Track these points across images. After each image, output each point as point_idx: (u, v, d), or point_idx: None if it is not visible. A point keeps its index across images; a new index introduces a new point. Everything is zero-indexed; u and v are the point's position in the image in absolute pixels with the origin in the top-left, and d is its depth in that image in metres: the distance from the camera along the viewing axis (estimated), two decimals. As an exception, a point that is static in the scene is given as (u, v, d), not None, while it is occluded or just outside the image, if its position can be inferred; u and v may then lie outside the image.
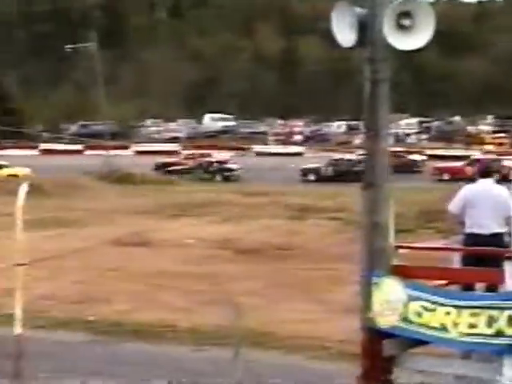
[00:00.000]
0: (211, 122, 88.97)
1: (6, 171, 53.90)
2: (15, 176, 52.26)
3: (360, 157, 54.62)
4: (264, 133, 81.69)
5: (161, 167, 59.19)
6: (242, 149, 69.52)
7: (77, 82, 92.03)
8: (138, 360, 14.52)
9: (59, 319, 17.46)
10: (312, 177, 55.20)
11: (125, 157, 60.83)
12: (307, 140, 78.56)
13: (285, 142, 76.00)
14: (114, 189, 45.83)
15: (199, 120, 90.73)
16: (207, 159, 59.70)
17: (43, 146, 72.82)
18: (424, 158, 61.90)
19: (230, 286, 19.76)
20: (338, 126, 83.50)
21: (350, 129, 77.64)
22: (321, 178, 54.10)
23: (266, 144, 75.82)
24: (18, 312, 10.72)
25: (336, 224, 30.93)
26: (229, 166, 57.88)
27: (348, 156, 57.72)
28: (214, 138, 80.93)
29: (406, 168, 55.78)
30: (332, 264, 22.73)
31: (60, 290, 20.21)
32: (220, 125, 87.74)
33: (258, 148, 71.85)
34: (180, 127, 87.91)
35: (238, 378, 11.47)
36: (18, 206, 10.63)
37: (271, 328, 16.34)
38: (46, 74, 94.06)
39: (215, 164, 58.02)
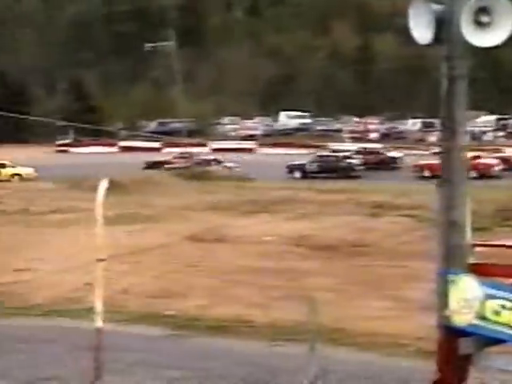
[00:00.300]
0: (287, 119, 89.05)
1: (10, 170, 54.88)
2: (19, 175, 53.53)
3: (344, 153, 58.53)
4: (339, 130, 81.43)
5: (151, 166, 59.31)
6: (317, 147, 69.34)
7: (155, 81, 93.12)
8: (215, 355, 14.66)
9: (138, 313, 17.73)
10: (297, 173, 55.42)
11: (202, 154, 61.34)
12: (383, 137, 78.01)
13: (360, 140, 75.57)
14: (191, 185, 46.27)
15: (275, 118, 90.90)
16: (206, 157, 60.45)
17: (122, 143, 73.93)
18: (402, 154, 61.24)
19: (306, 282, 19.85)
20: (413, 124, 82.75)
21: (425, 126, 76.94)
22: (306, 175, 54.40)
23: (342, 142, 75.52)
24: (99, 306, 10.94)
25: (411, 221, 30.71)
26: (226, 164, 58.13)
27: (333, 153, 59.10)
28: (289, 136, 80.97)
29: (385, 165, 57.71)
30: (406, 261, 22.59)
31: (139, 285, 20.54)
32: (296, 122, 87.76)
33: (333, 146, 71.54)
34: (256, 125, 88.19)
35: (313, 374, 11.51)
36: (98, 202, 10.84)
37: (346, 324, 16.34)
38: (126, 72, 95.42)
39: (213, 162, 58.57)
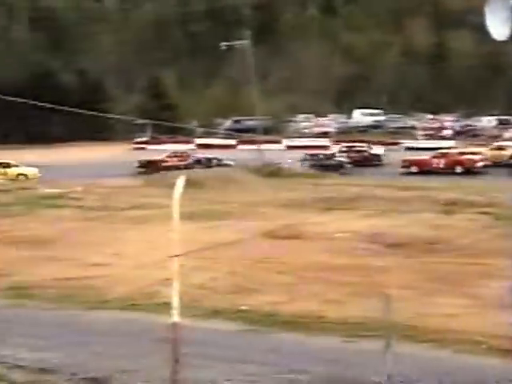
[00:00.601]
0: (360, 116, 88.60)
1: (15, 170, 55.38)
2: (24, 175, 54.30)
3: (333, 151, 60.32)
4: (413, 127, 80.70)
5: (145, 165, 59.35)
6: (392, 144, 68.89)
7: (230, 79, 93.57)
8: (290, 350, 14.76)
9: (213, 308, 17.93)
10: None
11: (276, 151, 61.53)
12: (457, 134, 77.00)
13: (434, 137, 74.74)
14: (265, 182, 46.44)
15: (349, 115, 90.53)
16: (206, 156, 60.48)
17: (198, 140, 74.46)
18: (383, 152, 62.71)
19: (380, 279, 19.82)
20: (488, 121, 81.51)
21: (501, 123, 75.72)
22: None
23: (416, 139, 74.86)
24: (175, 301, 11.12)
25: (486, 219, 30.36)
26: (226, 161, 58.33)
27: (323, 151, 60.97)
28: (363, 133, 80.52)
29: (368, 162, 58.86)
30: (482, 259, 22.37)
31: (214, 281, 20.76)
32: (369, 120, 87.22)
33: (407, 143, 71.02)
34: (330, 122, 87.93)
35: (387, 371, 11.52)
36: (175, 198, 11.02)
37: (420, 321, 16.29)
38: (202, 71, 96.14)
39: (214, 160, 58.96)
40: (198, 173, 46.82)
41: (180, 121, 74.89)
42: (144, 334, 15.36)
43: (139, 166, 58.96)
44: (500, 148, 58.68)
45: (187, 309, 12.92)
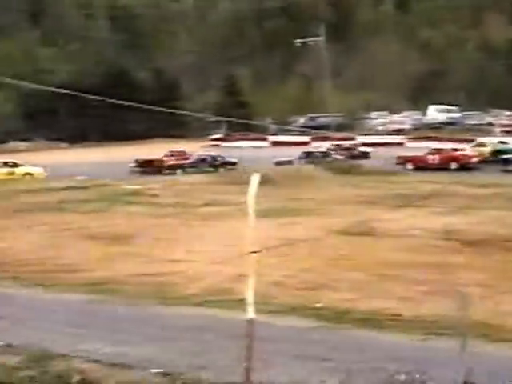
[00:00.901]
0: (436, 113, 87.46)
1: (22, 170, 55.94)
2: (30, 174, 54.87)
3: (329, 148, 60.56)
4: (490, 124, 79.37)
5: (142, 165, 59.25)
6: (468, 141, 67.91)
7: (305, 76, 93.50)
8: (365, 348, 14.73)
9: (288, 305, 17.99)
10: None
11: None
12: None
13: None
14: (338, 179, 46.37)
15: (424, 112, 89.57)
16: (210, 154, 60.71)
17: (272, 138, 74.65)
18: (371, 149, 62.76)
19: (456, 277, 19.63)
20: None
21: None
22: None
23: (493, 135, 73.63)
24: (250, 297, 11.21)
25: None
26: (230, 160, 58.59)
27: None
28: (438, 130, 79.55)
29: (357, 159, 58.22)
30: None
31: (288, 277, 20.83)
32: (445, 116, 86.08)
33: (482, 139, 69.99)
34: (404, 119, 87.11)
35: (465, 370, 11.43)
36: (250, 195, 11.11)
37: (498, 320, 16.10)
38: (276, 68, 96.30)
39: (219, 158, 59.11)
40: (271, 170, 46.95)
41: (255, 118, 75.21)
42: (219, 330, 15.51)
43: (136, 166, 59.49)
44: (481, 145, 59.14)
45: (262, 305, 13.01)
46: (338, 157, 59.06)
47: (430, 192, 37.57)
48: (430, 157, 55.55)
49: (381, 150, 61.73)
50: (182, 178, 50.71)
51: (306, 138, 73.17)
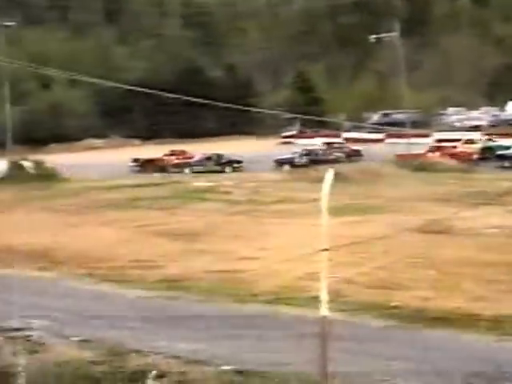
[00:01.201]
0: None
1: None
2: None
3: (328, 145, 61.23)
4: None
5: (143, 164, 59.01)
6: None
7: (379, 72, 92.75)
8: (440, 347, 14.54)
9: (361, 303, 17.84)
10: (286, 167, 56.16)
11: (425, 145, 60.82)
12: None
13: None
14: (414, 176, 45.90)
15: (501, 107, 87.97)
16: (214, 152, 60.13)
17: (346, 134, 74.18)
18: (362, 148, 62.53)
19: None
20: None
21: None
22: (295, 168, 55.11)
23: None
24: (324, 295, 11.12)
25: None
26: (236, 158, 58.49)
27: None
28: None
29: (349, 157, 58.76)
30: None
31: (361, 275, 20.64)
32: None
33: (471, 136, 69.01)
34: (482, 115, 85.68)
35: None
36: (323, 192, 11.00)
37: None
38: (349, 64, 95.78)
39: (224, 157, 58.88)
40: (345, 167, 46.73)
41: (327, 115, 74.82)
42: (292, 327, 15.46)
43: (136, 165, 59.50)
44: (471, 142, 59.93)
45: (335, 303, 12.91)
46: (340, 154, 59.45)
47: (507, 190, 36.85)
48: (431, 154, 55.82)
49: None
50: (255, 175, 50.73)
51: (380, 135, 72.54)
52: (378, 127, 70.00)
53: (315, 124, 71.19)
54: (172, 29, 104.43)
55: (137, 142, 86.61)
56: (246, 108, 43.75)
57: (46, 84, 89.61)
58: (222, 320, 16.49)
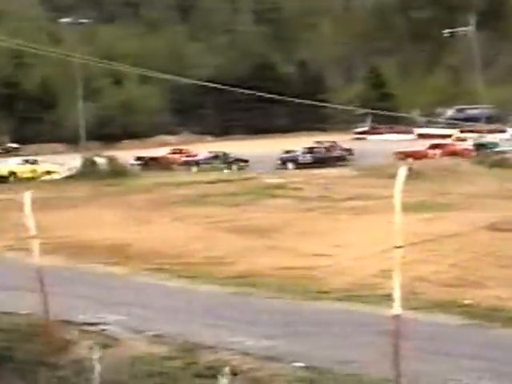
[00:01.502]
0: None
1: (43, 167, 56.58)
2: (50, 172, 55.04)
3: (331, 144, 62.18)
4: None
5: (147, 162, 59.16)
6: None
7: (453, 67, 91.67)
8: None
9: (434, 301, 17.57)
10: (290, 165, 57.05)
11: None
12: None
13: None
14: (488, 173, 45.26)
15: None
16: (221, 151, 61.05)
17: (419, 130, 73.56)
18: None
19: None
20: None
21: None
22: (299, 166, 56.16)
23: None
24: (397, 293, 11.00)
25: None
26: (241, 157, 59.67)
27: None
28: None
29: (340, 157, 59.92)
30: None
31: (435, 273, 20.37)
32: None
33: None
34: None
35: None
36: (396, 189, 10.88)
37: None
38: (423, 59, 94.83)
39: (232, 155, 59.72)
40: (418, 163, 46.34)
41: (400, 110, 74.24)
42: (364, 325, 15.32)
43: (139, 164, 60.00)
44: (461, 139, 61.31)
45: (408, 301, 12.72)
46: (344, 152, 60.72)
47: None
48: (431, 151, 56.60)
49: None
50: (326, 172, 50.66)
51: (453, 131, 71.73)
52: (451, 122, 69.30)
53: (387, 120, 70.78)
54: (244, 25, 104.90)
55: (209, 138, 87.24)
56: (318, 104, 43.61)
57: (118, 81, 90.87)
58: (291, 316, 16.43)
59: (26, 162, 56.83)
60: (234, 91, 18.83)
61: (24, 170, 54.67)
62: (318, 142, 64.12)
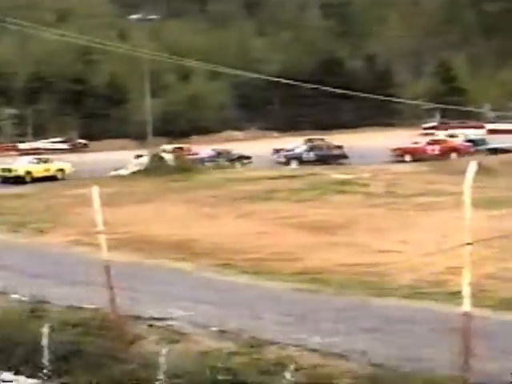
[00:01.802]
0: None
1: (55, 165, 57.26)
2: (62, 170, 54.95)
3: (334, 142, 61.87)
4: None
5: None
6: None
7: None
8: None
9: (505, 299, 17.29)
10: (294, 163, 56.73)
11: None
12: None
13: None
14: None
15: None
16: (224, 148, 61.53)
17: (489, 125, 72.47)
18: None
19: None
20: None
21: None
22: (303, 163, 55.92)
23: None
24: (466, 290, 10.86)
25: None
26: (243, 154, 59.34)
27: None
28: None
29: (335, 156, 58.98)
30: None
31: (506, 271, 20.03)
32: None
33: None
34: None
35: None
36: (466, 185, 10.74)
37: None
38: (494, 52, 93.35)
39: (234, 153, 59.72)
40: (489, 159, 45.71)
41: (471, 105, 73.20)
42: (432, 323, 15.13)
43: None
44: (453, 135, 60.83)
45: (477, 299, 12.53)
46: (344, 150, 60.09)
47: None
48: (430, 147, 55.62)
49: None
50: (393, 167, 50.26)
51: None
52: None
53: (458, 115, 69.85)
54: (311, 20, 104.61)
55: (275, 133, 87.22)
56: (386, 99, 43.21)
57: (185, 76, 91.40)
58: (357, 314, 16.32)
59: (39, 160, 57.80)
60: (301, 87, 18.69)
61: (38, 169, 55.68)
62: (308, 140, 64.24)
